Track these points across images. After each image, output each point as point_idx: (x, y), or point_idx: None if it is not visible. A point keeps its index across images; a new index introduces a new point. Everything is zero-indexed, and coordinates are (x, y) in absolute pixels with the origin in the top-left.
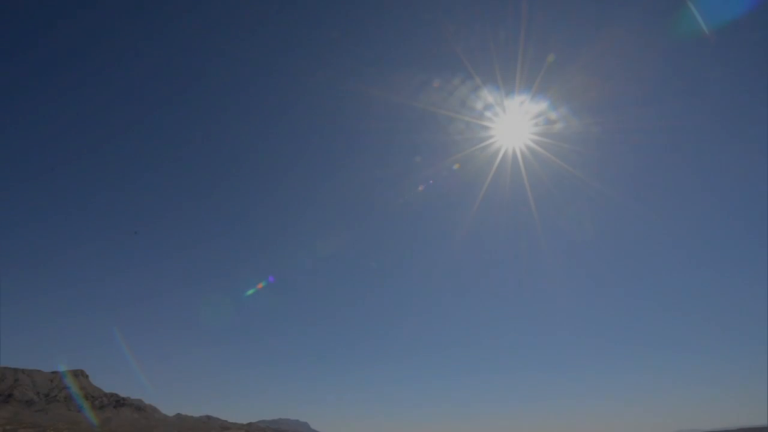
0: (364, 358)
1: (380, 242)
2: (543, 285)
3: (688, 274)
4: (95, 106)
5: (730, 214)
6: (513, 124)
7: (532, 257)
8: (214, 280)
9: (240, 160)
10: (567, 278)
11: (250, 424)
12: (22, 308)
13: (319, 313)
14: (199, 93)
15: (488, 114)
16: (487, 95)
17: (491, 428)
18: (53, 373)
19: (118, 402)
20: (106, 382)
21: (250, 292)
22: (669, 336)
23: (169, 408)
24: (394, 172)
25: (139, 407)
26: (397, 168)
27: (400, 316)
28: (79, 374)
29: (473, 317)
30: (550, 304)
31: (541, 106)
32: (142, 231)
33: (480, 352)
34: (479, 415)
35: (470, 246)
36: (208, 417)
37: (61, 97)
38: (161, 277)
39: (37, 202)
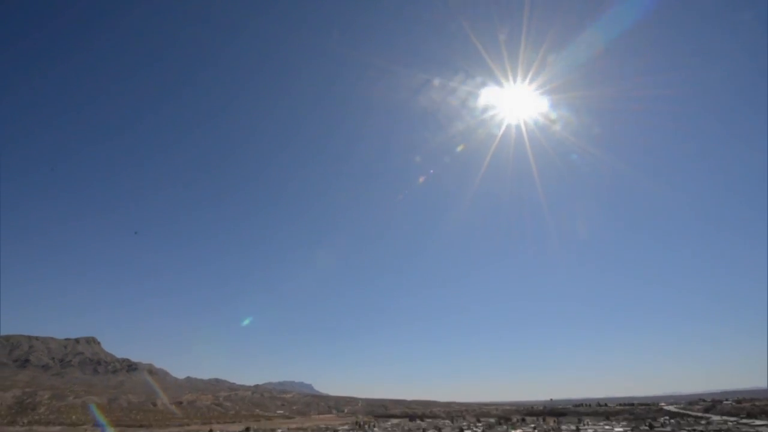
0: (366, 324)
1: (382, 222)
2: (546, 257)
3: (690, 240)
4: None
5: (734, 185)
6: (517, 97)
7: (536, 230)
8: (222, 249)
9: (244, 146)
10: (570, 251)
11: (256, 386)
12: (33, 279)
13: (323, 283)
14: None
15: (492, 85)
16: (492, 66)
17: (485, 390)
18: (66, 340)
19: (131, 366)
20: (118, 349)
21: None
22: (671, 302)
23: (179, 371)
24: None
25: (150, 371)
26: (399, 154)
27: (400, 286)
28: (91, 341)
29: (473, 287)
30: (552, 275)
31: (546, 77)
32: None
33: (478, 320)
34: (474, 377)
35: (472, 221)
36: (217, 380)
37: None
38: (169, 246)
39: (46, 182)
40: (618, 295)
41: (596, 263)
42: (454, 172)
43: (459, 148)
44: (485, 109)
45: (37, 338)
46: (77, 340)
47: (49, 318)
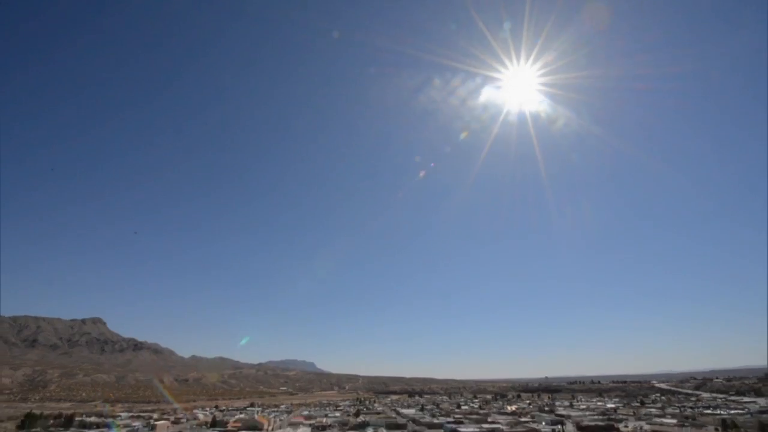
0: (367, 304)
1: (384, 205)
2: (546, 238)
3: (686, 222)
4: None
5: (735, 168)
6: (520, 78)
7: (537, 212)
8: (226, 232)
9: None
10: (570, 231)
11: (260, 365)
12: (38, 261)
13: (325, 264)
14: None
15: (496, 65)
16: (495, 45)
17: (482, 368)
18: (72, 320)
19: (137, 345)
20: (123, 329)
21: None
22: (666, 282)
23: (184, 350)
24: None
25: (156, 350)
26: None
27: (401, 268)
28: (97, 321)
29: (473, 269)
30: (550, 257)
31: (549, 57)
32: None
33: (476, 300)
34: (472, 356)
35: (474, 203)
36: (222, 358)
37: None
38: (174, 228)
39: (51, 165)
40: (614, 276)
41: (594, 244)
42: (457, 158)
43: (462, 135)
44: (488, 91)
45: (43, 319)
46: (83, 321)
47: (54, 299)
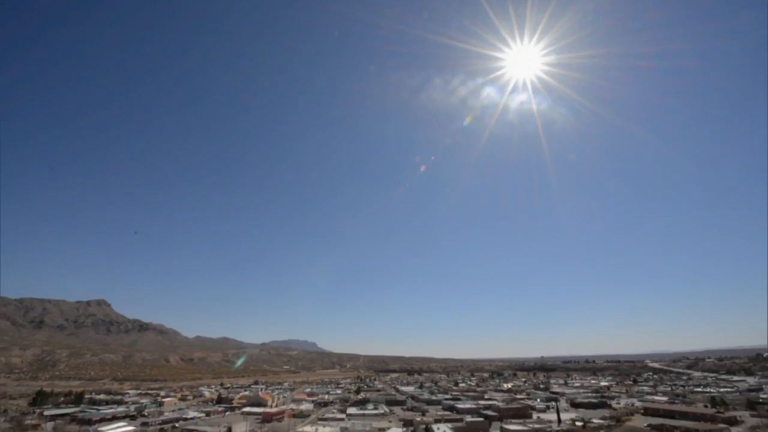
0: (367, 285)
1: (385, 186)
2: (546, 219)
3: (685, 203)
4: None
5: (735, 147)
6: (524, 55)
7: (538, 191)
8: (230, 214)
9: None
10: (575, 208)
11: (263, 344)
12: (43, 244)
13: (326, 246)
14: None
15: (499, 44)
16: (498, 24)
17: (480, 348)
18: (77, 302)
19: (142, 326)
20: (128, 310)
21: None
22: (669, 263)
23: (188, 331)
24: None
25: (161, 331)
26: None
27: (401, 250)
28: (102, 303)
29: (474, 251)
30: (552, 239)
31: (553, 35)
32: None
33: (475, 282)
34: (470, 336)
35: (477, 182)
36: (225, 338)
37: None
38: (177, 211)
39: (56, 149)
40: (610, 258)
41: (591, 226)
42: (460, 143)
43: (467, 121)
44: (493, 70)
45: (49, 301)
46: (88, 303)
47: (59, 282)
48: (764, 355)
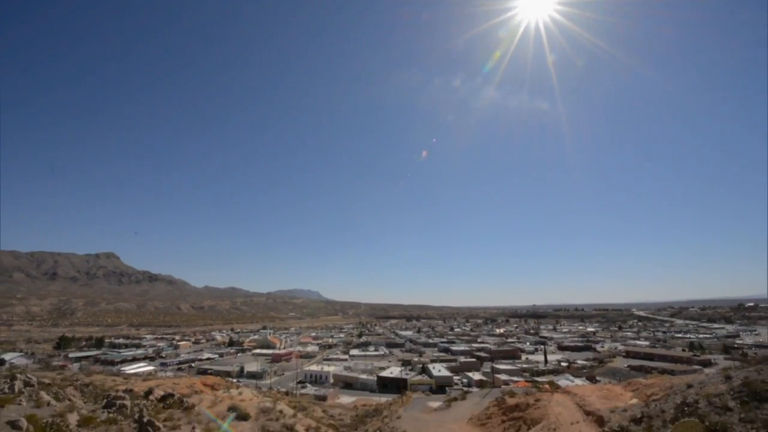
0: (368, 237)
1: (388, 136)
2: (541, 171)
3: (687, 152)
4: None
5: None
6: None
7: (544, 139)
8: (236, 166)
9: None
10: (568, 161)
11: (269, 293)
12: (50, 198)
13: (329, 197)
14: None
15: None
16: None
17: (476, 296)
18: (87, 255)
19: (152, 277)
20: (136, 262)
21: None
22: (659, 215)
23: (197, 281)
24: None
25: (170, 281)
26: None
27: (403, 201)
28: (111, 255)
29: (472, 203)
30: (549, 190)
31: None
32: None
33: (473, 233)
34: (466, 284)
35: (484, 130)
36: (233, 288)
37: None
38: (181, 165)
39: (62, 104)
40: (602, 209)
41: (584, 176)
42: (468, 87)
43: (495, 55)
44: (504, 11)
45: (59, 254)
46: (98, 255)
47: (67, 235)
48: (745, 305)
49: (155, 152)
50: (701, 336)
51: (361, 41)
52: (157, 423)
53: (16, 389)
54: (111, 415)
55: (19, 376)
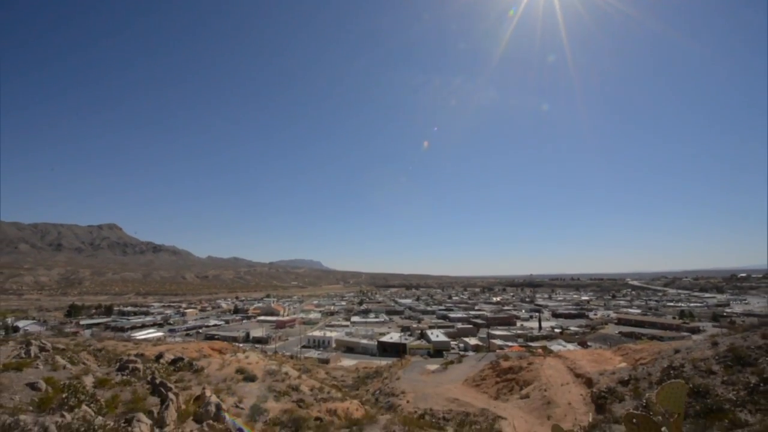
0: (368, 208)
1: (391, 105)
2: (539, 144)
3: (684, 123)
4: None
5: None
6: None
7: (545, 110)
8: (239, 137)
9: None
10: (565, 131)
11: (271, 263)
12: (52, 169)
13: (331, 169)
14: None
15: None
16: None
17: (474, 266)
18: (89, 226)
19: (156, 248)
20: (140, 233)
21: None
22: (655, 187)
23: (200, 251)
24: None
25: (174, 251)
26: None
27: (402, 172)
28: (113, 227)
29: (472, 174)
30: (546, 163)
31: None
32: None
33: (473, 203)
34: (465, 255)
35: (486, 101)
36: (236, 258)
37: None
38: (184, 136)
39: (63, 75)
40: (602, 181)
41: (582, 146)
42: (477, 48)
43: (510, 13)
44: None
45: (62, 225)
46: (100, 227)
47: (69, 207)
48: (738, 276)
49: (155, 123)
50: (692, 305)
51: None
52: (169, 384)
53: (32, 354)
54: (125, 377)
55: (34, 341)
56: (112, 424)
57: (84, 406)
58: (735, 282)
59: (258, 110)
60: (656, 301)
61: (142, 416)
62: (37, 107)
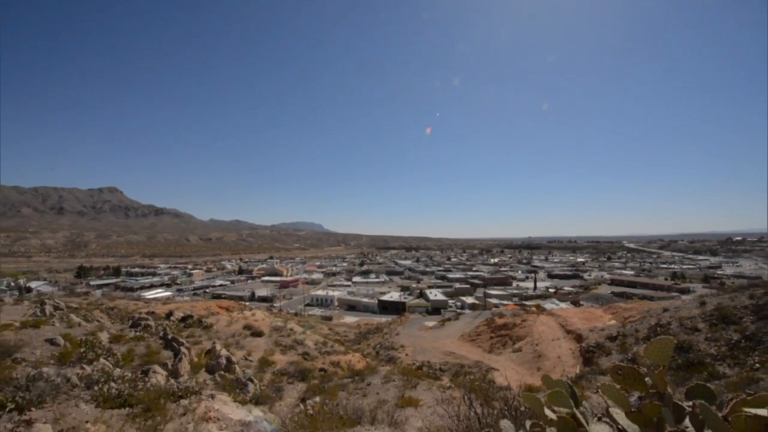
0: (369, 170)
1: (392, 75)
2: (537, 106)
3: (680, 87)
4: None
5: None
6: None
7: (536, 76)
8: (241, 104)
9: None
10: (562, 94)
11: (273, 226)
12: (51, 133)
13: (333, 132)
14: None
15: None
16: None
17: (473, 229)
18: (90, 190)
19: (158, 211)
20: (141, 196)
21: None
22: (662, 149)
23: (202, 214)
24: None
25: (176, 214)
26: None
27: (402, 135)
28: (114, 190)
29: (471, 137)
30: (543, 126)
31: None
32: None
33: (473, 166)
34: (463, 217)
35: (479, 69)
36: (238, 221)
37: None
38: (185, 99)
39: (61, 42)
40: (600, 143)
41: (580, 109)
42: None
43: None
44: None
45: (63, 189)
46: (101, 190)
47: (69, 170)
48: (733, 239)
49: (155, 86)
50: (685, 267)
51: None
52: (180, 339)
53: (47, 313)
54: (138, 333)
55: (48, 301)
56: (130, 374)
57: (102, 359)
58: (730, 245)
59: (261, 73)
60: (650, 263)
61: (157, 368)
62: (36, 73)
